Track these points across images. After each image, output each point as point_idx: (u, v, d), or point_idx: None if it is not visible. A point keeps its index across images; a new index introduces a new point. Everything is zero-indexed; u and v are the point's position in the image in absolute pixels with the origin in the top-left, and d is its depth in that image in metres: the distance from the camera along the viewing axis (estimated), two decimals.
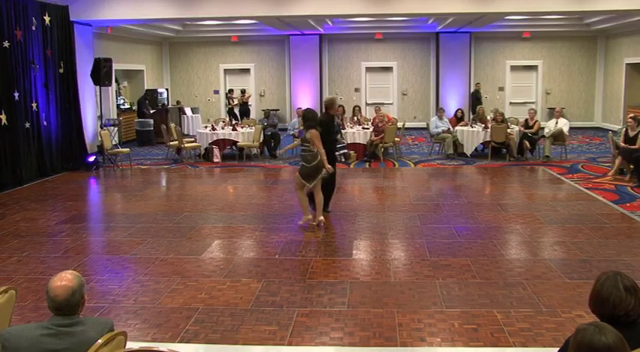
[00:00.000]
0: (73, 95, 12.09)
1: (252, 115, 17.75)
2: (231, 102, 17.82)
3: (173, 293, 5.16)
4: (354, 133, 12.90)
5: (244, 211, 8.27)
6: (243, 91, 17.93)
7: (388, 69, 19.34)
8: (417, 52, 19.12)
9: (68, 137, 12.02)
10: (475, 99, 18.04)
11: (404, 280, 5.41)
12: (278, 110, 18.98)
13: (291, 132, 13.59)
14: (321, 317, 4.63)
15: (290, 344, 4.18)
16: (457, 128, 13.20)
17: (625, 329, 2.33)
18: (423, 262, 5.90)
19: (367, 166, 12.08)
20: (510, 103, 18.86)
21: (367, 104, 18.99)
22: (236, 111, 17.68)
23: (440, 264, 5.83)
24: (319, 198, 7.32)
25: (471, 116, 15.71)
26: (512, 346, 4.10)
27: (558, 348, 2.65)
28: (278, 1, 11.95)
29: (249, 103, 18.02)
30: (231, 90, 18.23)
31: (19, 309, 4.51)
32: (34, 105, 10.96)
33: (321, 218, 7.26)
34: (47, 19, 11.30)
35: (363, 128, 13.17)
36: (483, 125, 12.94)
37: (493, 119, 12.79)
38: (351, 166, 12.10)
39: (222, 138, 12.96)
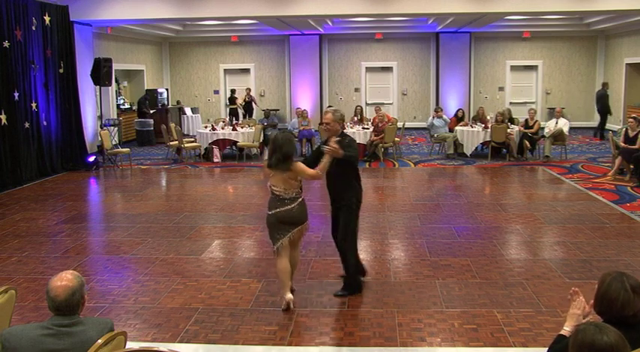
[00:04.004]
0: (73, 95, 12.09)
1: (254, 115, 17.74)
2: (236, 102, 17.81)
3: (173, 293, 5.16)
4: (354, 133, 12.89)
5: (244, 211, 8.27)
6: (248, 90, 17.93)
7: (388, 69, 19.34)
8: (417, 52, 19.11)
9: (68, 137, 12.02)
10: (604, 99, 15.95)
11: (404, 280, 5.41)
12: (278, 110, 18.99)
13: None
14: (321, 317, 4.63)
15: (290, 344, 4.18)
16: (457, 128, 13.20)
17: (630, 330, 2.33)
18: (423, 262, 5.90)
19: (367, 166, 12.08)
20: (510, 103, 18.83)
21: (367, 104, 18.98)
22: (239, 110, 17.67)
23: (440, 263, 5.83)
24: (281, 267, 4.79)
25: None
26: (512, 346, 4.10)
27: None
28: (278, 1, 11.94)
29: (254, 102, 18.00)
30: (233, 91, 18.22)
31: (19, 309, 4.51)
32: (33, 105, 10.96)
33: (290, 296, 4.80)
34: (47, 19, 11.30)
35: (363, 128, 13.18)
36: (483, 125, 12.94)
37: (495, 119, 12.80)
38: None
39: (222, 138, 12.96)
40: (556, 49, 18.81)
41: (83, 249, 6.61)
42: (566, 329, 2.59)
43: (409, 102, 19.38)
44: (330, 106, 15.45)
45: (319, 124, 13.67)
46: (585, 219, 7.47)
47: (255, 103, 18.05)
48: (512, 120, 13.35)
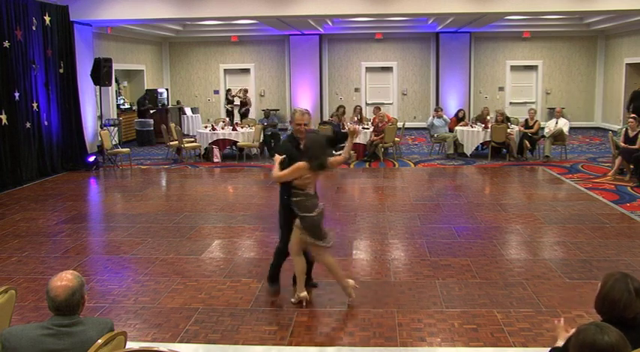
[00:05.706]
0: (73, 95, 12.09)
1: (252, 115, 17.70)
2: (232, 101, 17.68)
3: (173, 293, 5.16)
4: None
5: (244, 211, 8.27)
6: (245, 91, 17.69)
7: (388, 69, 19.33)
8: (417, 52, 19.11)
9: (68, 137, 12.02)
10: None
11: (404, 280, 5.41)
12: (278, 110, 18.98)
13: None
14: (321, 317, 4.63)
15: (290, 344, 4.18)
16: (457, 128, 13.20)
17: (630, 331, 2.33)
18: (423, 262, 5.90)
19: (367, 166, 12.08)
20: (510, 103, 18.86)
21: (367, 104, 18.98)
22: (236, 111, 17.52)
23: (440, 263, 5.83)
24: (332, 261, 4.90)
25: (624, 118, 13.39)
26: (512, 346, 4.10)
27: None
28: (278, 1, 11.94)
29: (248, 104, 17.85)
30: (230, 90, 18.14)
31: (19, 309, 4.51)
32: (34, 105, 10.96)
33: (304, 294, 4.85)
34: (47, 19, 11.30)
35: (363, 128, 13.16)
36: (483, 125, 12.94)
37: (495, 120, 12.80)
38: (351, 166, 12.09)
39: (222, 138, 12.96)
40: (556, 49, 18.80)
41: (83, 249, 6.61)
42: (560, 343, 2.62)
43: (409, 102, 19.37)
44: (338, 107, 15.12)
45: (319, 124, 13.67)
46: (585, 219, 7.47)
47: (243, 101, 17.56)
48: (507, 120, 13.31)
